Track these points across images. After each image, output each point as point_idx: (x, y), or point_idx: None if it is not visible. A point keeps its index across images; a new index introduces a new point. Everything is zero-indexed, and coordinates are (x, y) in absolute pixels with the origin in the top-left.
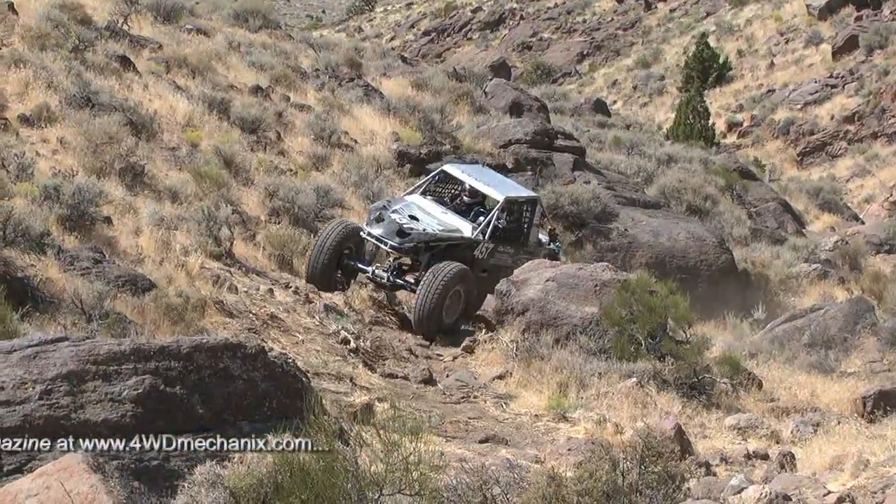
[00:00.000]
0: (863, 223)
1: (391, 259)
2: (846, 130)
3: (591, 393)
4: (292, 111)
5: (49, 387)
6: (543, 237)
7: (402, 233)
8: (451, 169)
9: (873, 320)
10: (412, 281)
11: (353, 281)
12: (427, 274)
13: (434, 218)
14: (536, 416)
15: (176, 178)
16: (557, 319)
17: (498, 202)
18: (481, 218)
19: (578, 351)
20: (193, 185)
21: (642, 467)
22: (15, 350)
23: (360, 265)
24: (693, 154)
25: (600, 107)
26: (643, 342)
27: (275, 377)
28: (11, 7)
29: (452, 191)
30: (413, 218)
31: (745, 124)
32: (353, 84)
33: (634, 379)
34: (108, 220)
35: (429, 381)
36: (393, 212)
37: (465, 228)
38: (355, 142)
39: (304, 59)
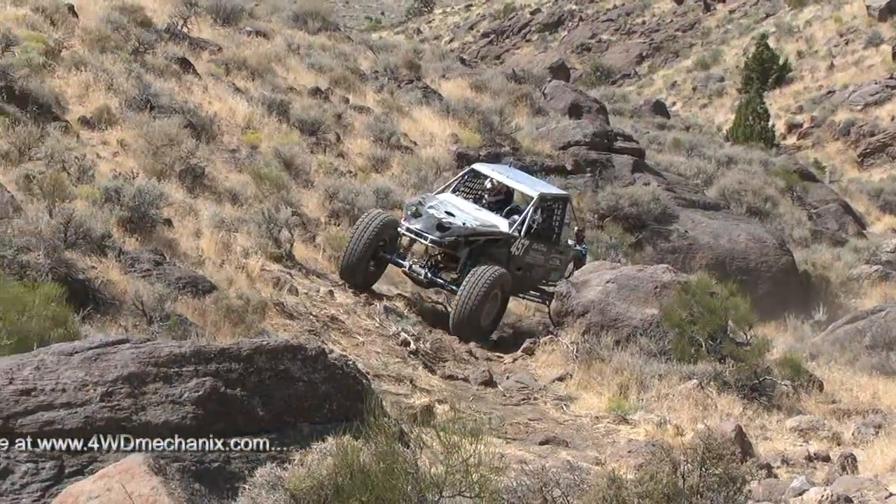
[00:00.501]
0: None
1: (426, 254)
2: None
3: (652, 395)
4: (351, 113)
5: (110, 389)
6: (570, 240)
7: (441, 227)
8: (481, 167)
9: None
10: (449, 280)
11: (382, 274)
12: (468, 276)
13: (469, 214)
14: (597, 417)
15: (236, 180)
16: (618, 321)
17: (532, 198)
18: (516, 216)
19: (639, 353)
20: (253, 186)
21: (703, 469)
22: (76, 352)
23: (396, 259)
24: (753, 155)
25: (659, 108)
26: (703, 344)
27: (335, 379)
28: (72, 10)
29: (481, 189)
30: (449, 214)
31: (805, 126)
32: (412, 86)
33: (695, 381)
34: (168, 222)
35: (489, 382)
36: (429, 207)
37: (502, 224)
38: (414, 143)
39: (363, 61)
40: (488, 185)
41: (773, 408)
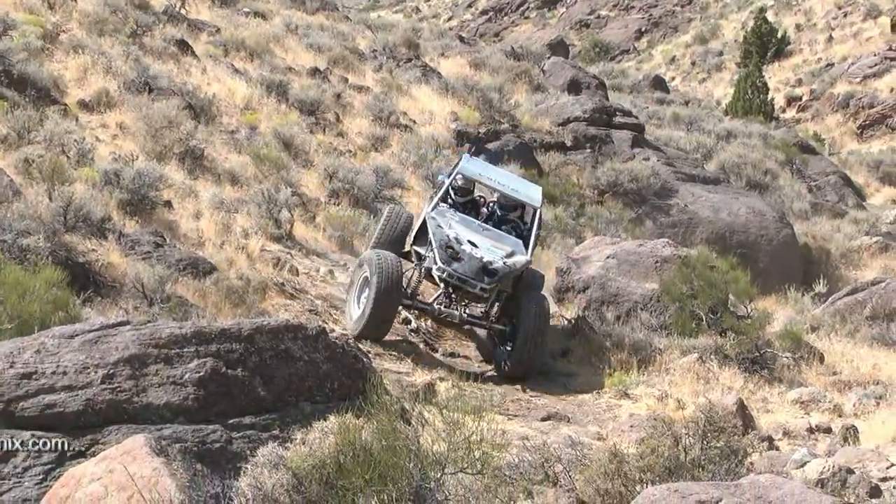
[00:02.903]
0: None
1: (442, 292)
2: None
3: (653, 369)
4: (350, 92)
5: (111, 371)
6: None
7: (488, 272)
8: (470, 170)
9: None
10: (482, 316)
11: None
12: (528, 308)
13: (484, 238)
14: (598, 393)
15: (235, 162)
16: (618, 296)
17: (535, 208)
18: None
19: (640, 327)
20: (253, 167)
21: (704, 443)
22: (77, 335)
23: (421, 304)
24: (752, 129)
25: (659, 83)
26: (704, 318)
27: (336, 358)
28: None
29: (457, 191)
30: (472, 244)
31: (804, 99)
32: (411, 65)
33: (696, 354)
34: (168, 204)
35: (490, 359)
36: (456, 241)
37: (520, 248)
38: (414, 122)
39: (361, 41)
40: (457, 185)
41: (774, 380)
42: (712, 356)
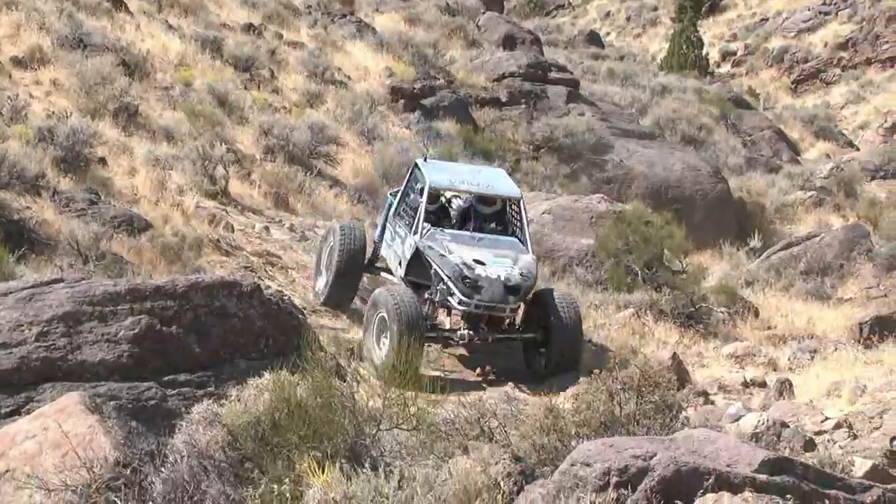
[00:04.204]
0: (858, 150)
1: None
2: (840, 57)
3: (589, 324)
4: (285, 49)
5: (45, 329)
6: None
7: (510, 289)
8: (439, 182)
9: (869, 246)
10: (509, 329)
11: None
12: (560, 306)
13: (484, 251)
14: None
15: (170, 118)
16: (554, 252)
17: (518, 199)
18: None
19: (575, 283)
20: (188, 124)
21: (639, 397)
22: (11, 292)
23: (448, 335)
24: (687, 84)
25: (594, 39)
26: (640, 273)
27: (271, 315)
28: None
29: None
30: (479, 263)
31: (739, 53)
32: (346, 20)
33: (631, 310)
34: (102, 161)
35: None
36: (468, 269)
37: (519, 248)
38: (349, 78)
39: None
40: (423, 193)
41: (709, 335)
42: (648, 311)
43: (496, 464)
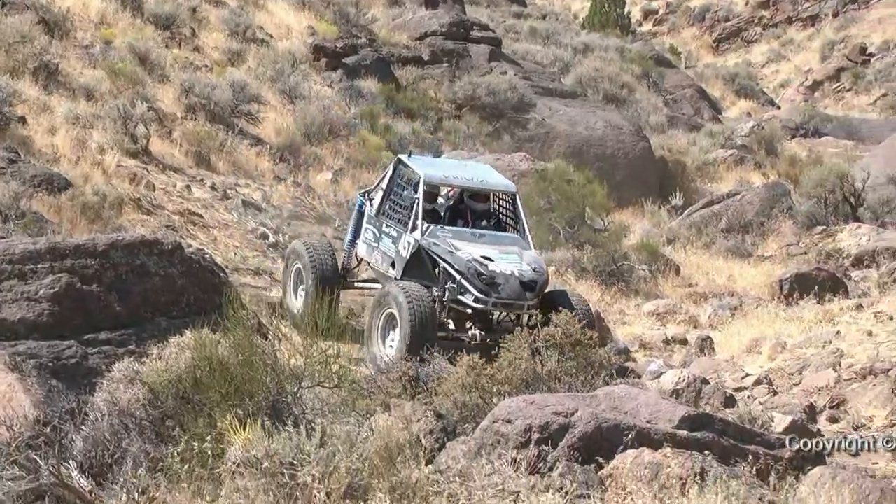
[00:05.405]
0: (778, 108)
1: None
2: (761, 16)
3: None
4: (206, 7)
5: None
6: None
7: (527, 286)
8: (433, 176)
9: (789, 204)
10: (517, 320)
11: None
12: (576, 309)
13: (488, 247)
14: None
15: (90, 77)
16: None
17: (513, 193)
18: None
19: None
20: (108, 82)
21: (561, 355)
22: None
23: (459, 335)
24: (609, 43)
25: None
26: (561, 231)
27: (192, 273)
28: None
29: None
30: (487, 259)
31: (661, 12)
32: None
33: (553, 268)
34: (22, 119)
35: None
36: (486, 262)
37: (522, 244)
38: (270, 37)
39: None
40: (418, 188)
41: (630, 293)
42: (570, 269)
43: (418, 421)
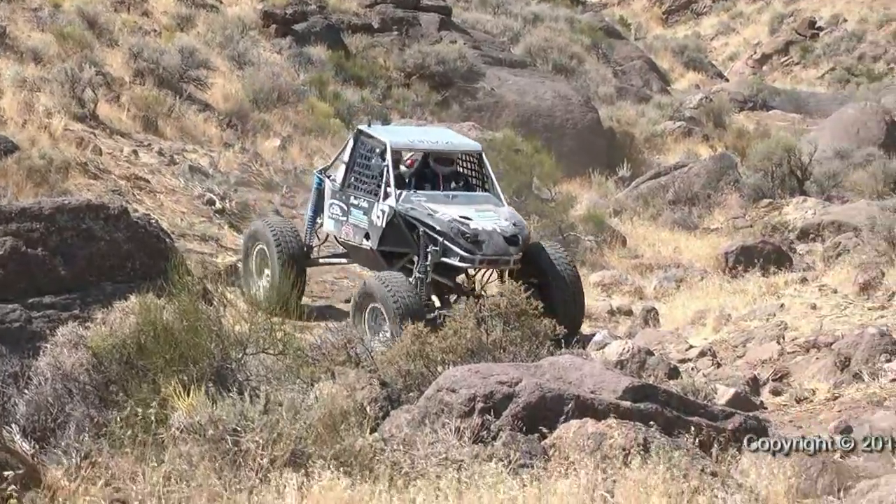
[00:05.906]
0: (727, 81)
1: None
2: None
3: None
4: None
5: None
6: None
7: (510, 241)
8: (399, 142)
9: (736, 177)
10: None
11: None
12: (555, 261)
13: (463, 208)
14: None
15: (38, 39)
16: None
17: (479, 153)
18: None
19: None
20: (56, 46)
21: (506, 325)
22: None
23: (444, 311)
24: (559, 13)
25: None
26: (508, 201)
27: (138, 238)
28: None
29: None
30: (467, 218)
31: None
32: None
33: None
34: None
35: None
36: (473, 223)
37: (494, 201)
38: (220, 2)
39: None
40: (385, 156)
41: (577, 263)
42: None
43: (362, 389)
